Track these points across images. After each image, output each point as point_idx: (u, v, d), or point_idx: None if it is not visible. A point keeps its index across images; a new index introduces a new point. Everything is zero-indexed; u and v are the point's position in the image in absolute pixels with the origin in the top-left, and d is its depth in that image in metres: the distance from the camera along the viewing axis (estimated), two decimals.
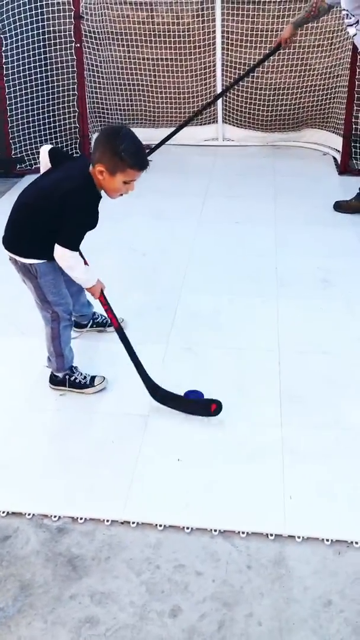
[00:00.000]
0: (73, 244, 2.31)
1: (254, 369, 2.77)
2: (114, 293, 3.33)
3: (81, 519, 2.09)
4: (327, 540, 1.99)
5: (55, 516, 2.10)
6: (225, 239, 3.97)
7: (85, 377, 2.66)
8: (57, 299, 2.50)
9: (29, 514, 2.11)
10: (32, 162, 5.11)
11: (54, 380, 2.67)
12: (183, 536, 2.02)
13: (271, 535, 2.00)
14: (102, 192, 2.36)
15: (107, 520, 2.07)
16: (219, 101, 5.50)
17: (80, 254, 2.39)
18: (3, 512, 2.12)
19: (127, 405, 2.57)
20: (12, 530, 2.06)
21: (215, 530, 2.03)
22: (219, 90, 5.45)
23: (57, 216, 2.28)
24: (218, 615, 1.77)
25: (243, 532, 2.02)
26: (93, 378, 2.67)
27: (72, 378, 2.64)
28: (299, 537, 1.99)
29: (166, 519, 2.07)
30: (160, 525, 2.05)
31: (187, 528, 2.04)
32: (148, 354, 2.86)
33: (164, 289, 3.39)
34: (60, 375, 2.64)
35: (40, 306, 2.52)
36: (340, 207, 4.29)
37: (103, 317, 2.97)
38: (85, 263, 2.46)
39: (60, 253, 2.30)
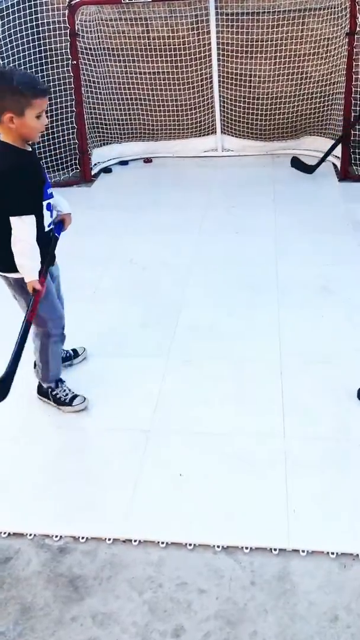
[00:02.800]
0: (23, 208, 2.23)
1: (256, 380, 2.74)
2: (114, 307, 3.35)
3: (82, 538, 2.06)
4: (332, 553, 1.95)
5: (56, 536, 2.08)
6: (225, 250, 3.96)
7: (67, 395, 2.63)
8: (49, 313, 2.49)
9: (30, 535, 2.09)
10: None
11: (41, 391, 2.68)
12: (185, 553, 1.99)
13: (275, 550, 1.97)
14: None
15: (109, 539, 2.05)
16: (217, 112, 5.52)
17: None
18: (4, 534, 2.10)
19: (128, 421, 2.55)
20: (13, 552, 2.04)
21: (218, 546, 2.00)
22: (216, 101, 5.46)
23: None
24: (222, 634, 1.74)
25: (246, 548, 1.99)
26: (74, 397, 2.64)
27: (54, 392, 2.63)
28: (303, 551, 1.96)
29: (168, 535, 2.05)
30: (163, 543, 2.03)
31: (190, 544, 2.01)
32: (148, 367, 2.86)
33: (165, 302, 3.38)
34: (45, 385, 2.64)
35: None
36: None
37: (67, 352, 2.87)
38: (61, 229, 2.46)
39: (20, 222, 2.21)
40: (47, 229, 2.38)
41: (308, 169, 5.05)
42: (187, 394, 2.68)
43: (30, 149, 2.31)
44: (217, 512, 2.12)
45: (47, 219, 2.37)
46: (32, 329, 2.51)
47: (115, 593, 1.88)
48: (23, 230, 2.25)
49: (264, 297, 3.38)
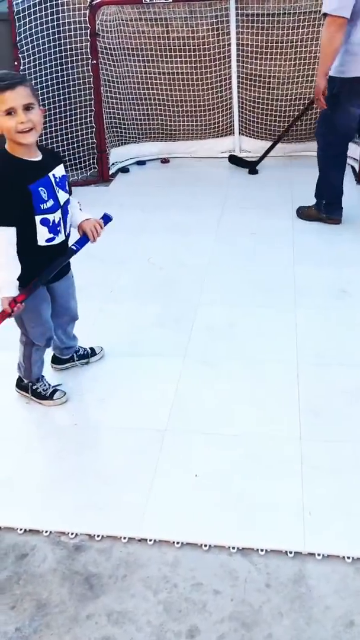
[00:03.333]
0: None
1: (272, 382, 2.74)
2: (131, 306, 3.36)
3: (98, 536, 2.07)
4: (348, 557, 1.94)
5: (72, 533, 2.09)
6: (242, 251, 3.95)
7: (46, 390, 2.67)
8: (33, 326, 2.46)
9: (46, 532, 2.10)
10: None
11: (20, 385, 2.71)
12: (201, 553, 1.99)
13: (290, 552, 1.97)
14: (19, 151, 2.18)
15: (124, 538, 2.06)
16: (235, 113, 5.51)
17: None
18: (20, 530, 2.11)
19: (144, 420, 2.56)
20: (29, 548, 2.05)
21: (233, 548, 2.00)
22: (235, 102, 5.45)
23: None
24: (237, 636, 1.74)
25: (262, 550, 1.98)
26: (54, 392, 2.67)
27: (35, 387, 2.66)
28: (319, 555, 1.95)
29: (184, 536, 2.05)
30: (178, 543, 2.03)
31: (205, 545, 2.01)
32: (165, 367, 2.86)
33: (181, 302, 3.38)
34: (26, 381, 2.67)
35: (19, 326, 2.50)
36: (302, 213, 4.38)
37: (84, 349, 2.88)
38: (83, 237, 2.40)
39: None
40: (44, 244, 2.27)
41: (249, 165, 5.29)
42: (204, 394, 2.68)
43: (26, 158, 2.18)
44: (232, 513, 2.12)
45: (44, 234, 2.25)
46: (20, 335, 2.53)
47: (130, 592, 1.88)
48: None
49: (281, 298, 3.37)
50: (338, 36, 3.55)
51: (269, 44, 5.18)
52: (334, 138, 4.01)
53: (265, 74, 5.32)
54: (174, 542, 2.03)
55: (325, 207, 4.25)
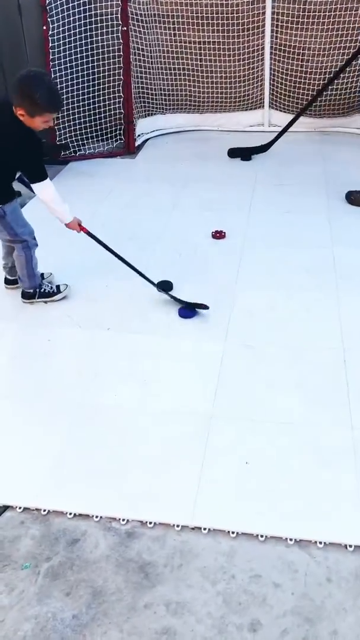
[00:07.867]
0: (45, 173, 2.73)
1: (318, 368, 2.67)
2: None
3: (150, 523, 2.03)
4: None
5: (123, 519, 2.04)
6: (277, 230, 3.86)
7: (52, 288, 3.14)
8: (22, 225, 2.92)
9: (97, 517, 2.06)
10: (77, 148, 5.04)
11: (26, 295, 3.14)
12: (257, 544, 1.95)
13: (350, 546, 1.92)
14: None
15: (177, 526, 2.01)
16: (267, 85, 5.36)
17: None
18: (70, 514, 2.07)
19: (190, 405, 2.50)
20: (80, 533, 2.01)
21: (290, 539, 1.95)
22: (266, 74, 5.29)
23: (16, 158, 2.69)
24: (301, 632, 1.70)
25: (320, 542, 1.94)
26: (58, 287, 3.16)
27: (42, 290, 3.13)
28: None
29: (238, 525, 2.00)
30: (233, 532, 1.98)
31: (261, 536, 1.97)
32: (206, 350, 2.80)
33: (219, 283, 3.30)
34: (31, 290, 3.11)
35: (12, 241, 2.96)
36: (354, 200, 4.12)
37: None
38: None
39: (42, 187, 2.72)
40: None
41: (255, 150, 5.01)
42: (248, 379, 2.62)
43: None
44: (286, 503, 2.07)
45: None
46: (16, 248, 2.97)
47: (187, 582, 1.85)
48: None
49: (321, 280, 3.29)
50: None
51: (305, 13, 5.00)
52: None
53: (299, 45, 5.15)
54: (228, 532, 1.98)
55: None
